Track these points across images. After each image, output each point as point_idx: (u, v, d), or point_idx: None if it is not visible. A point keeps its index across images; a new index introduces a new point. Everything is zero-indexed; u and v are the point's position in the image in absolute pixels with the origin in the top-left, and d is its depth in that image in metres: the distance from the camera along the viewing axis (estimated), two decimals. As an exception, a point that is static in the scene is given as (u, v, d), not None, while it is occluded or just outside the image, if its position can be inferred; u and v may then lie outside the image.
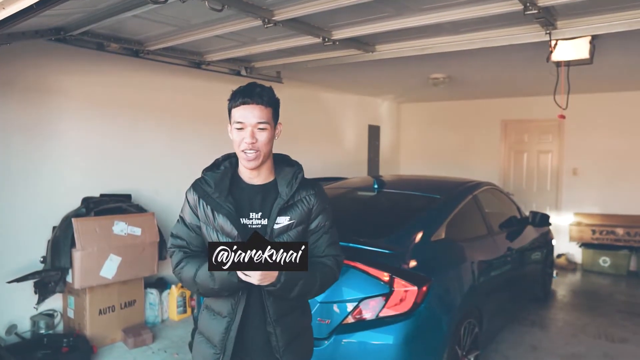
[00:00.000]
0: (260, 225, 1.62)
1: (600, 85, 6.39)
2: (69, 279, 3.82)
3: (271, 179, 1.69)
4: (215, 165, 1.73)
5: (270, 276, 1.49)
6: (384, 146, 8.63)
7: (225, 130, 1.71)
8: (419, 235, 3.04)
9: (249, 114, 1.58)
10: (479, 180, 4.25)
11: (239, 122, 1.58)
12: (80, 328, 3.89)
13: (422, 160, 8.71)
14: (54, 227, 3.90)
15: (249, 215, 1.63)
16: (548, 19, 3.07)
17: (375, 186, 3.89)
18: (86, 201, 4.05)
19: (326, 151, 7.25)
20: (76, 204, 4.04)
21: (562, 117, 4.59)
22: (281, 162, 1.73)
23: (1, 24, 2.51)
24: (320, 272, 1.66)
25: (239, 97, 1.59)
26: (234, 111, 1.60)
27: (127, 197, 4.37)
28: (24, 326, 3.89)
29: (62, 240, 3.77)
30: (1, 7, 2.27)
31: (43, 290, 3.81)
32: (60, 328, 4.06)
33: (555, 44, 3.69)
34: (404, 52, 4.07)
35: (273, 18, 3.15)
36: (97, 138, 4.28)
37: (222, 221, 1.61)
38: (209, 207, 1.63)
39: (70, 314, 3.99)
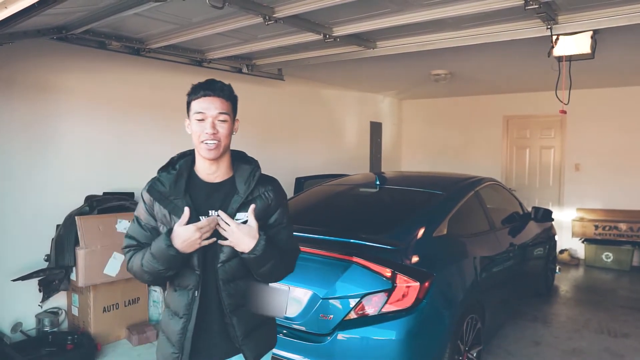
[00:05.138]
0: None
1: (602, 80, 6.36)
2: (73, 277, 3.85)
3: (229, 175, 1.70)
4: (171, 164, 1.73)
5: (248, 240, 1.56)
6: (386, 142, 8.63)
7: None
8: (421, 231, 3.04)
9: (211, 105, 1.60)
10: (481, 176, 4.25)
11: (199, 113, 1.60)
12: (84, 325, 3.91)
13: (424, 156, 8.71)
14: (58, 226, 3.92)
15: (208, 214, 1.63)
16: (549, 13, 3.07)
17: (377, 182, 3.90)
18: (89, 199, 4.07)
19: (328, 148, 7.25)
20: (79, 202, 4.06)
21: (563, 112, 4.58)
22: (239, 160, 1.75)
23: (3, 23, 2.52)
24: (287, 258, 1.72)
25: (200, 90, 1.62)
26: (195, 103, 1.62)
27: (130, 195, 4.38)
28: (29, 324, 3.91)
29: (65, 239, 3.80)
30: (3, 7, 2.28)
31: (47, 288, 3.84)
32: (64, 326, 4.08)
33: (557, 38, 3.68)
34: (405, 48, 4.06)
35: (274, 15, 3.15)
36: (99, 136, 4.30)
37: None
38: (165, 209, 1.64)
39: (75, 311, 4.01)
